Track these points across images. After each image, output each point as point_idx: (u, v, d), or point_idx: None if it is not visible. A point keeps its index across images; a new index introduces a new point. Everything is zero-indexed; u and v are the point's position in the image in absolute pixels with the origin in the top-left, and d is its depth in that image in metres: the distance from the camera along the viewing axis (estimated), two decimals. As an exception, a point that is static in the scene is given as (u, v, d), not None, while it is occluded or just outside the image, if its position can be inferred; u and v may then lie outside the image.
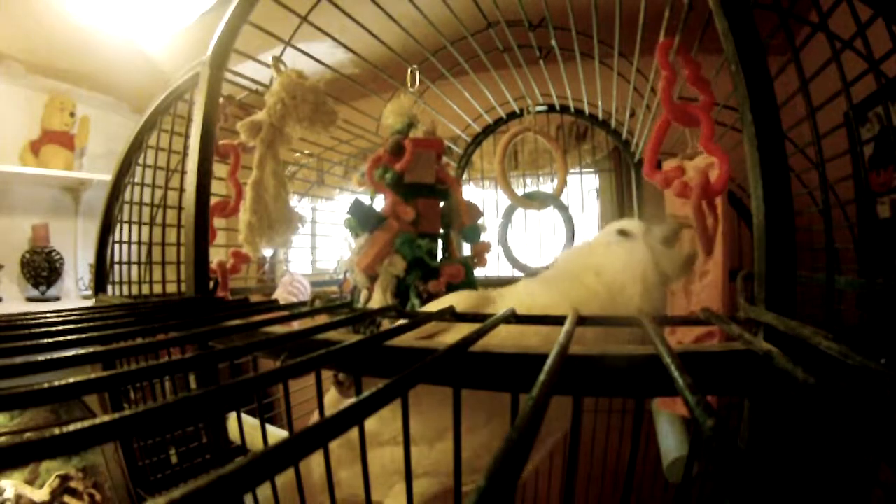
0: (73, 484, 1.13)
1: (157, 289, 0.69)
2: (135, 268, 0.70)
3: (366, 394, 0.12)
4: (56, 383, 0.13)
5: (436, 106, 0.91)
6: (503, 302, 0.45)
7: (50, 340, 0.20)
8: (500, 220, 0.88)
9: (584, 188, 1.29)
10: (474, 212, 0.66)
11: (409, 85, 0.74)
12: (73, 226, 1.79)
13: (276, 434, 0.62)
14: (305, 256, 1.41)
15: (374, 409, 0.12)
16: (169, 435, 0.71)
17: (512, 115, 1.04)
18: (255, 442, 0.52)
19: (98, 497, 1.15)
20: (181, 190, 0.56)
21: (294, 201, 0.92)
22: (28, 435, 0.09)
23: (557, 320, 0.29)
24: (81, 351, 0.19)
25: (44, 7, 1.27)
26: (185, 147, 0.58)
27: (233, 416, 0.50)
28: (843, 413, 0.13)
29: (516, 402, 0.24)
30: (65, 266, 1.71)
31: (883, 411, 0.13)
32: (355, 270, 0.59)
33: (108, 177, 0.72)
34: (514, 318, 0.31)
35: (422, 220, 0.60)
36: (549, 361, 0.16)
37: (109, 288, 0.71)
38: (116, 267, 0.70)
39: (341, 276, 0.73)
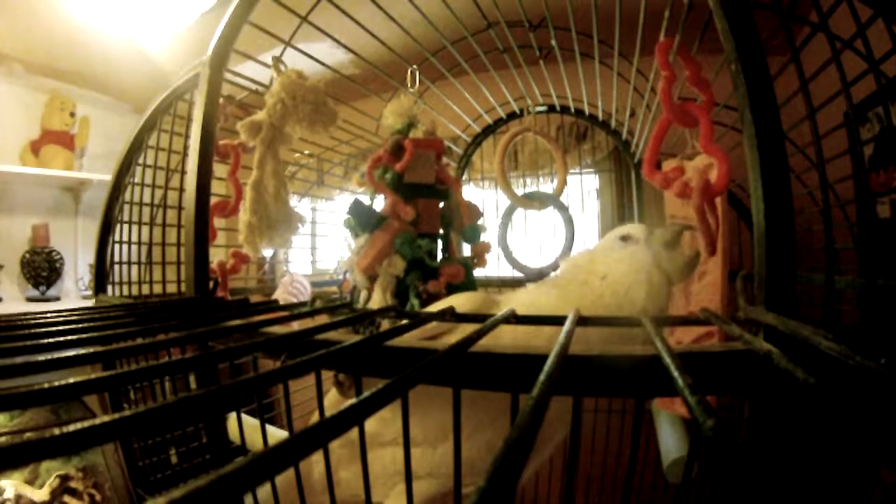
0: (73, 484, 1.13)
1: (157, 289, 0.69)
2: (135, 268, 0.70)
3: (366, 394, 0.12)
4: (56, 383, 0.13)
5: (436, 106, 0.91)
6: (507, 306, 0.45)
7: (50, 340, 0.20)
8: (499, 221, 0.88)
9: (584, 188, 1.30)
10: (474, 212, 0.66)
11: (409, 85, 0.74)
12: (73, 226, 1.79)
13: (276, 434, 0.62)
14: (305, 256, 1.41)
15: (374, 409, 0.12)
16: (169, 435, 0.71)
17: (512, 116, 1.04)
18: (255, 442, 0.52)
19: (98, 497, 1.15)
20: (181, 190, 0.56)
21: (294, 201, 0.92)
22: (28, 435, 0.09)
23: (557, 320, 0.29)
24: (81, 351, 0.19)
25: (44, 7, 1.27)
26: (185, 147, 0.58)
27: (233, 416, 0.50)
28: (843, 413, 0.13)
29: (516, 402, 0.24)
30: (65, 266, 1.71)
31: (883, 411, 0.13)
32: (355, 270, 0.59)
33: (108, 177, 0.72)
34: (514, 318, 0.31)
35: (421, 220, 0.60)
36: (549, 361, 0.16)
37: (109, 288, 0.71)
38: (116, 267, 0.70)
39: (341, 277, 0.73)
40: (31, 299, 1.64)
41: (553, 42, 0.74)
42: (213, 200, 0.52)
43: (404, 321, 0.29)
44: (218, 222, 0.65)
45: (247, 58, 0.61)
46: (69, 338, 0.21)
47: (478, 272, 0.66)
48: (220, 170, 0.58)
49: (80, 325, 0.26)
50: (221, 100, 0.53)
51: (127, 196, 0.70)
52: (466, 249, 0.68)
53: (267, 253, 1.28)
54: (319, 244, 1.28)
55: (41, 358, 0.17)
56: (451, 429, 0.27)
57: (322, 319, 0.30)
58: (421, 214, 0.60)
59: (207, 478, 0.08)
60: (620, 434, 1.12)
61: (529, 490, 1.18)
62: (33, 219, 1.68)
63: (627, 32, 0.59)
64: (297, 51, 0.66)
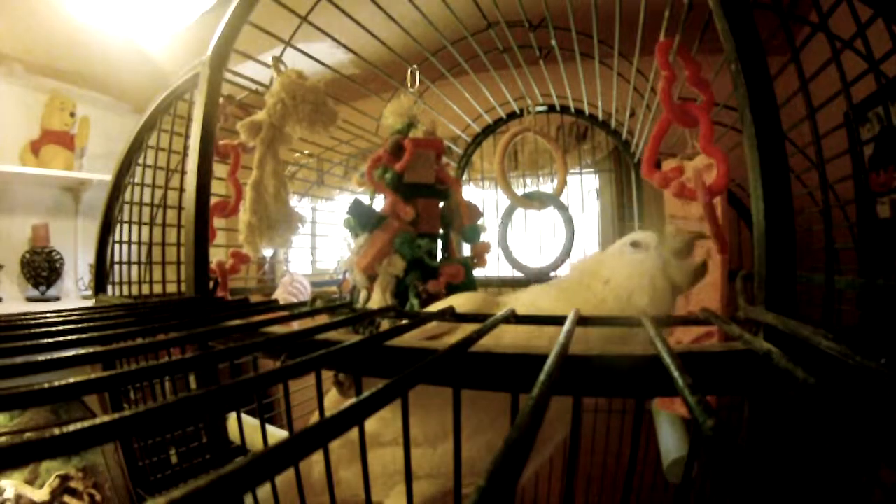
0: (73, 484, 1.13)
1: (157, 289, 0.69)
2: (135, 268, 0.70)
3: (366, 394, 0.12)
4: (56, 383, 0.13)
5: (436, 106, 0.91)
6: (508, 307, 0.45)
7: (50, 340, 0.20)
8: (499, 221, 0.88)
9: (584, 188, 1.30)
10: (474, 212, 0.66)
11: (409, 85, 0.74)
12: (73, 226, 1.79)
13: (276, 434, 0.62)
14: (305, 256, 1.41)
15: (374, 409, 0.12)
16: (169, 435, 0.72)
17: (512, 116, 1.04)
18: (255, 442, 0.52)
19: (98, 497, 1.15)
20: (181, 190, 0.56)
21: (294, 201, 0.92)
22: (28, 435, 0.09)
23: (557, 321, 0.29)
24: (81, 351, 0.19)
25: (44, 7, 1.27)
26: (185, 147, 0.58)
27: (233, 416, 0.50)
28: (843, 413, 0.13)
29: (516, 402, 0.24)
30: (65, 266, 1.71)
31: (883, 411, 0.13)
32: (355, 270, 0.59)
33: (108, 177, 0.72)
34: (514, 318, 0.31)
35: (421, 220, 0.60)
36: (549, 361, 0.16)
37: (109, 288, 0.71)
38: (116, 267, 0.70)
39: (341, 276, 0.73)
40: (31, 299, 1.64)
41: (553, 42, 0.74)
42: (213, 200, 0.52)
43: (404, 321, 0.29)
44: (218, 222, 0.65)
45: (247, 58, 0.61)
46: (69, 338, 0.21)
47: (478, 272, 0.66)
48: (220, 170, 0.58)
49: (80, 325, 0.26)
50: (221, 100, 0.53)
51: (127, 196, 0.70)
52: (466, 249, 0.68)
53: (267, 253, 1.28)
54: (319, 244, 1.28)
55: (41, 358, 0.17)
56: (451, 429, 0.27)
57: (322, 319, 0.30)
58: (421, 214, 0.60)
59: (207, 478, 0.08)
60: (620, 434, 1.12)
61: (529, 490, 1.18)
62: (33, 219, 1.68)
63: (627, 32, 0.59)
64: (297, 51, 0.66)
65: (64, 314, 0.32)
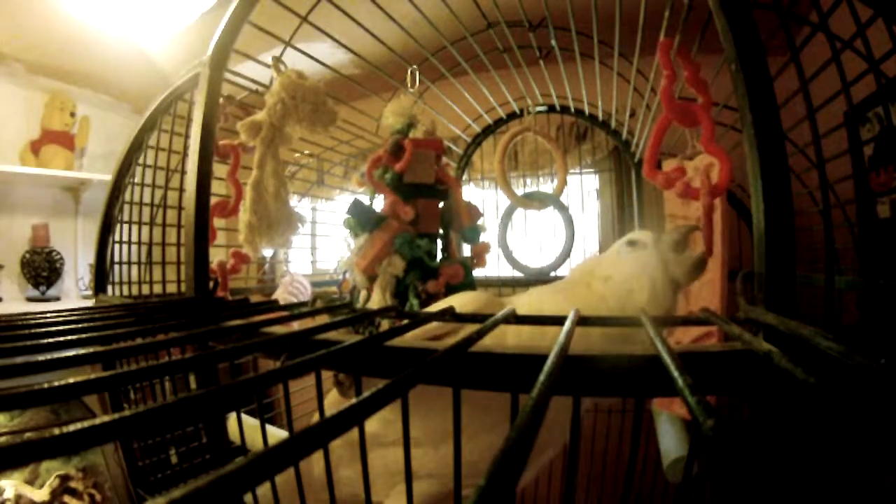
0: (73, 484, 1.13)
1: (157, 289, 0.69)
2: (135, 268, 0.70)
3: (366, 394, 0.12)
4: (56, 383, 0.13)
5: (436, 106, 0.91)
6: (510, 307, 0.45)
7: (50, 340, 0.20)
8: (499, 221, 0.88)
9: (584, 188, 1.30)
10: (474, 212, 0.66)
11: (409, 85, 0.74)
12: (73, 226, 1.79)
13: (276, 434, 0.62)
14: (305, 256, 1.41)
15: (374, 409, 0.12)
16: (169, 435, 0.71)
17: (512, 116, 1.04)
18: (255, 442, 0.52)
19: (98, 497, 1.15)
20: (181, 190, 0.56)
21: (294, 201, 0.92)
22: (28, 435, 0.09)
23: (557, 320, 0.29)
24: (81, 351, 0.19)
25: (44, 6, 1.27)
26: (185, 147, 0.58)
27: (233, 416, 0.50)
28: (843, 413, 0.13)
29: (516, 402, 0.24)
30: (65, 266, 1.71)
31: (883, 411, 0.13)
32: (355, 270, 0.59)
33: (108, 177, 0.72)
34: (513, 318, 0.31)
35: (421, 220, 0.60)
36: (548, 361, 0.16)
37: (109, 288, 0.71)
38: (116, 267, 0.70)
39: (341, 277, 0.73)
40: (31, 299, 1.64)
41: (553, 42, 0.74)
42: (213, 200, 0.52)
43: (404, 321, 0.29)
44: (218, 222, 0.64)
45: (247, 58, 0.61)
46: (69, 338, 0.21)
47: (478, 272, 0.66)
48: (220, 170, 0.58)
49: (80, 325, 0.26)
50: (221, 100, 0.53)
51: (127, 196, 0.70)
52: (466, 250, 0.68)
53: (267, 253, 1.28)
54: (319, 244, 1.28)
55: (41, 358, 0.17)
56: (450, 429, 0.27)
57: (322, 319, 0.30)
58: (420, 214, 0.60)
59: (207, 478, 0.08)
60: (620, 434, 1.12)
61: (529, 490, 1.18)
62: (33, 219, 1.68)
63: (627, 32, 0.59)
64: (297, 51, 0.66)
65: (64, 314, 0.32)
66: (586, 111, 1.01)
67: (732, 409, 0.77)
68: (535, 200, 0.82)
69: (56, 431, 0.09)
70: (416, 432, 0.43)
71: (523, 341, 0.40)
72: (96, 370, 0.22)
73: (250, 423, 0.55)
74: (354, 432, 0.23)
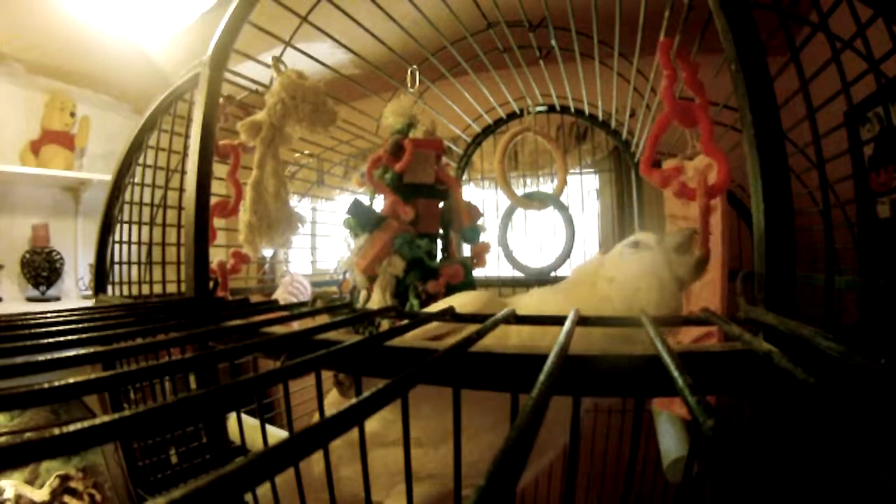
0: (73, 484, 1.13)
1: (157, 289, 0.69)
2: (135, 268, 0.70)
3: (366, 394, 0.12)
4: (56, 383, 0.13)
5: (436, 106, 0.91)
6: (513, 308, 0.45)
7: (50, 340, 0.20)
8: (499, 221, 0.88)
9: (584, 188, 1.29)
10: (474, 212, 0.66)
11: (409, 85, 0.74)
12: (73, 226, 1.79)
13: (276, 434, 0.62)
14: (305, 256, 1.41)
15: (374, 409, 0.12)
16: (169, 435, 0.71)
17: (512, 116, 1.04)
18: (255, 442, 0.52)
19: (98, 497, 1.15)
20: (181, 190, 0.56)
21: (294, 201, 0.92)
22: (28, 435, 0.09)
23: (557, 320, 0.29)
24: (81, 351, 0.19)
25: (44, 6, 1.27)
26: (185, 147, 0.58)
27: (233, 416, 0.50)
28: (843, 413, 0.13)
29: (516, 402, 0.24)
30: (65, 266, 1.71)
31: (883, 412, 0.13)
32: (355, 271, 0.59)
33: (108, 177, 0.72)
34: (514, 318, 0.31)
35: (421, 220, 0.60)
36: (548, 361, 0.16)
37: (109, 288, 0.71)
38: (116, 267, 0.70)
39: (341, 277, 0.73)
40: (31, 299, 1.64)
41: (553, 42, 0.74)
42: (213, 200, 0.52)
43: (404, 321, 0.29)
44: (218, 222, 0.64)
45: (247, 58, 0.61)
46: (69, 338, 0.21)
47: (478, 272, 0.66)
48: (220, 170, 0.58)
49: (80, 325, 0.26)
50: (221, 100, 0.53)
51: (127, 196, 0.70)
52: (466, 250, 0.68)
53: (267, 253, 1.28)
54: (319, 244, 1.28)
55: (41, 358, 0.17)
56: (451, 429, 0.27)
57: (322, 319, 0.30)
58: (420, 214, 0.60)
59: (207, 478, 0.08)
60: (620, 434, 1.12)
61: (529, 490, 1.18)
62: (33, 219, 1.68)
63: (627, 33, 0.59)
64: (297, 51, 0.66)
65: (64, 314, 0.32)
66: (586, 111, 1.01)
67: (732, 409, 0.77)
68: (535, 200, 0.82)
69: (56, 431, 0.09)
70: (417, 432, 0.43)
71: (525, 341, 0.40)
72: (96, 370, 0.22)
73: (250, 423, 0.55)
74: (354, 432, 0.23)
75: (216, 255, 0.60)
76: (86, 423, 0.10)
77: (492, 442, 0.42)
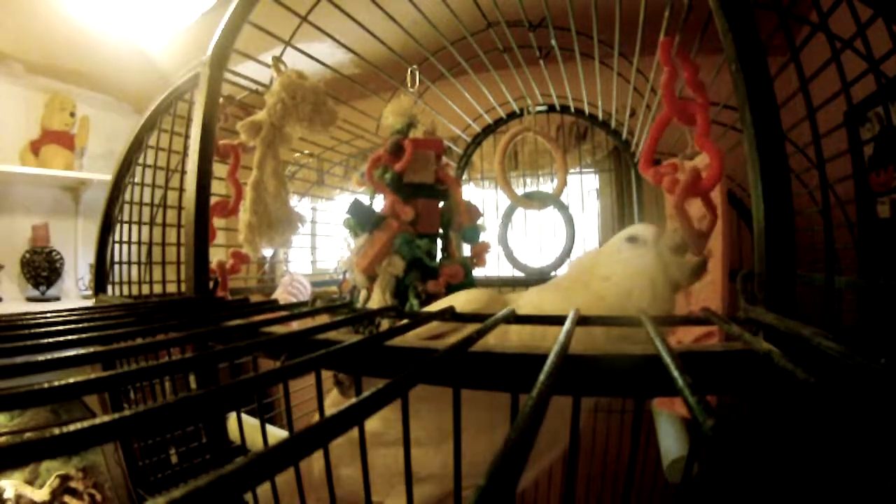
0: (73, 484, 1.13)
1: (157, 289, 0.69)
2: (135, 268, 0.70)
3: (366, 394, 0.12)
4: (56, 383, 0.13)
5: (436, 106, 0.91)
6: (512, 307, 0.45)
7: (50, 340, 0.20)
8: (499, 221, 0.88)
9: (584, 188, 1.30)
10: (474, 212, 0.66)
11: (409, 85, 0.74)
12: (73, 226, 1.79)
13: (276, 434, 0.62)
14: (305, 256, 1.41)
15: (374, 409, 0.12)
16: (169, 435, 0.71)
17: (512, 116, 1.04)
18: (255, 442, 0.52)
19: (98, 497, 1.15)
20: (181, 190, 0.56)
21: (294, 201, 0.92)
22: (28, 435, 0.09)
23: (557, 320, 0.29)
24: (81, 351, 0.19)
25: (44, 7, 1.27)
26: (185, 147, 0.58)
27: (233, 416, 0.50)
28: (843, 413, 0.13)
29: (517, 402, 0.24)
30: (65, 266, 1.71)
31: (883, 412, 0.13)
32: (354, 270, 0.59)
33: (108, 177, 0.72)
34: (514, 318, 0.31)
35: (421, 220, 0.60)
36: (549, 361, 0.16)
37: (109, 288, 0.71)
38: (116, 267, 0.70)
39: (341, 277, 0.73)
40: (31, 299, 1.64)
41: (553, 42, 0.74)
42: (213, 200, 0.52)
43: (404, 321, 0.29)
44: (218, 222, 0.65)
45: (247, 58, 0.61)
46: (69, 338, 0.21)
47: (478, 272, 0.66)
48: (220, 170, 0.58)
49: (80, 325, 0.26)
50: (221, 100, 0.53)
51: (127, 196, 0.70)
52: (466, 250, 0.68)
53: (267, 253, 1.27)
54: (319, 244, 1.28)
55: (41, 358, 0.17)
56: (461, 428, 0.27)
57: (322, 319, 0.30)
58: (420, 214, 0.60)
59: (207, 478, 0.08)
60: (620, 434, 1.12)
61: (529, 490, 1.18)
62: (33, 219, 1.68)
63: (627, 32, 0.59)
64: (297, 51, 0.66)
65: (64, 314, 0.32)
66: (586, 111, 1.01)
67: (732, 409, 0.77)
68: (535, 200, 0.82)
69: (56, 431, 0.09)
70: (419, 432, 0.43)
71: (525, 340, 0.40)
72: (96, 370, 0.22)
73: (250, 423, 0.55)
74: (355, 432, 0.23)
75: (216, 255, 0.60)
76: (86, 423, 0.10)
77: (492, 442, 0.42)
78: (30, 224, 1.66)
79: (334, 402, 0.47)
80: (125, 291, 0.70)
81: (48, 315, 0.31)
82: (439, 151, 0.62)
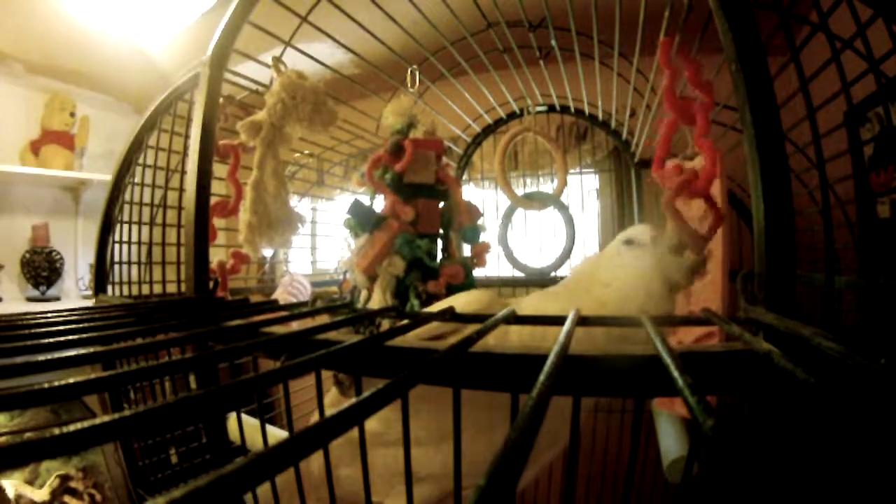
0: (73, 484, 1.13)
1: (157, 289, 0.69)
2: (135, 268, 0.70)
3: (366, 394, 0.12)
4: (56, 383, 0.13)
5: (436, 106, 0.91)
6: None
7: (50, 340, 0.20)
8: (499, 221, 0.88)
9: (584, 188, 1.29)
10: (474, 212, 0.66)
11: (409, 85, 0.74)
12: (73, 226, 1.79)
13: (276, 434, 0.62)
14: (305, 256, 1.41)
15: (374, 409, 0.12)
16: (169, 435, 0.71)
17: (512, 116, 1.04)
18: (255, 442, 0.52)
19: (98, 497, 1.15)
20: (181, 190, 0.56)
21: (294, 201, 0.92)
22: (28, 435, 0.09)
23: (558, 321, 0.29)
24: (82, 351, 0.19)
25: (44, 7, 1.27)
26: (185, 147, 0.58)
27: (233, 416, 0.50)
28: (843, 413, 0.13)
29: (517, 402, 0.24)
30: (65, 266, 1.71)
31: (883, 412, 0.13)
32: (355, 271, 0.59)
33: (108, 177, 0.72)
34: (514, 318, 0.31)
35: (421, 220, 0.60)
36: (549, 361, 0.16)
37: (109, 288, 0.71)
38: (116, 267, 0.70)
39: (341, 277, 0.73)
40: (31, 299, 1.64)
41: (553, 42, 0.74)
42: (213, 200, 0.52)
43: (404, 321, 0.29)
44: (218, 222, 0.64)
45: (247, 58, 0.61)
46: (69, 338, 0.21)
47: (478, 272, 0.66)
48: (220, 170, 0.58)
49: (80, 325, 0.26)
50: (221, 100, 0.53)
51: (127, 196, 0.70)
52: (466, 250, 0.68)
53: (267, 253, 1.27)
54: (319, 244, 1.28)
55: (41, 358, 0.17)
56: (461, 429, 0.27)
57: (322, 319, 0.30)
58: (420, 214, 0.60)
59: (207, 478, 0.08)
60: (620, 434, 1.12)
61: (529, 490, 1.18)
62: (33, 219, 1.68)
63: (627, 33, 0.59)
64: (297, 51, 0.66)
65: (64, 314, 0.32)
66: (586, 111, 1.01)
67: (732, 409, 0.77)
68: (535, 200, 0.82)
69: (56, 431, 0.09)
70: (419, 432, 0.43)
71: (525, 340, 0.40)
72: (96, 370, 0.22)
73: (250, 423, 0.55)
74: (355, 432, 0.23)
75: (216, 255, 0.60)
76: (86, 423, 0.10)
77: (492, 442, 0.42)
78: (30, 224, 1.66)
79: (334, 401, 0.47)
80: (125, 291, 0.70)
81: (48, 315, 0.31)
82: (439, 152, 0.62)
